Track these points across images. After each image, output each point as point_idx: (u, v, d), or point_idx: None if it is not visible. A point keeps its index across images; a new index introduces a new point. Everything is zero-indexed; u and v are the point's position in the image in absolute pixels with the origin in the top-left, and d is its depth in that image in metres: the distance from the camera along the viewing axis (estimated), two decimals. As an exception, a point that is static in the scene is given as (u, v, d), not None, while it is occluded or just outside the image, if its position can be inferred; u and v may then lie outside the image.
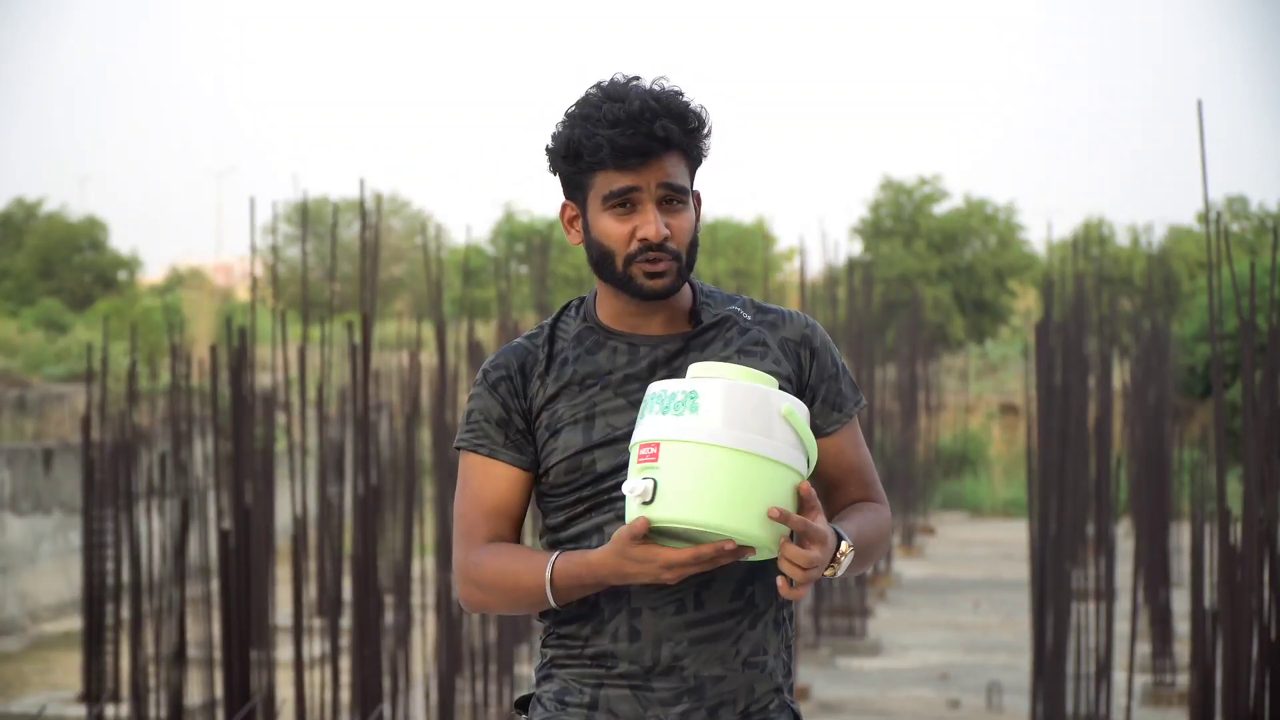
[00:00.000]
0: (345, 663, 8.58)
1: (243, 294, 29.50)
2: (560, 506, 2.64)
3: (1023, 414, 20.11)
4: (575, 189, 2.65)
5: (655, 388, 2.48)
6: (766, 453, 2.41)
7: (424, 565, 8.99)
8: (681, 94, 2.61)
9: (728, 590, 2.59)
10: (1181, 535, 12.57)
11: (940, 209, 30.02)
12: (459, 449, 2.69)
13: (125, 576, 9.05)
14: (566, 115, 2.63)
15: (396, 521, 8.21)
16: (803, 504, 2.43)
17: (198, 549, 7.42)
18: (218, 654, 7.20)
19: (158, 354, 16.85)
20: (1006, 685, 9.05)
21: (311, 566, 12.05)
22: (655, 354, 2.65)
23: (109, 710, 7.87)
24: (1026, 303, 27.96)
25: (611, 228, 2.61)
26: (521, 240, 27.32)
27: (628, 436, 2.59)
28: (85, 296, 28.39)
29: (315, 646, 9.15)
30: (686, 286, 2.70)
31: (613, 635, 2.59)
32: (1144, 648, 9.55)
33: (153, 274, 34.88)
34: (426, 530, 12.19)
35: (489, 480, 2.65)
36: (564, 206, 2.69)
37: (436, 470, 7.43)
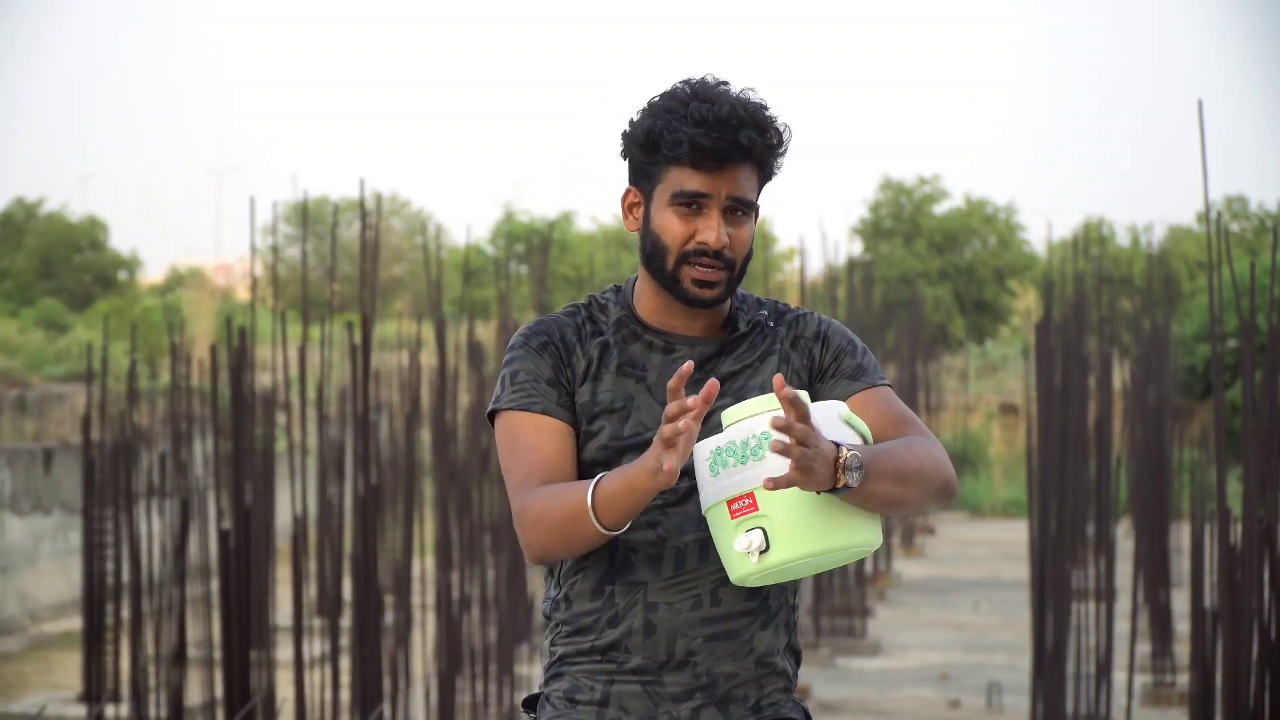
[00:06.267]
0: (345, 663, 8.58)
1: (243, 294, 29.49)
2: None
3: (1023, 414, 20.11)
4: (644, 178, 2.64)
5: (715, 442, 2.44)
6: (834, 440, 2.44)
7: (424, 565, 8.99)
8: (767, 108, 2.61)
9: (744, 589, 2.59)
10: (1181, 535, 12.57)
11: (940, 209, 30.00)
12: (504, 409, 2.63)
13: (125, 576, 9.05)
14: (649, 105, 2.63)
15: (396, 521, 8.21)
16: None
17: (198, 549, 7.42)
18: (218, 654, 7.21)
19: (158, 354, 16.83)
20: (1006, 685, 9.05)
21: (311, 566, 12.05)
22: (691, 355, 2.65)
23: (109, 710, 7.86)
24: (1026, 303, 27.95)
25: (673, 225, 2.60)
26: (521, 240, 27.30)
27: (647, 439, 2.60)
28: (85, 296, 28.34)
29: (315, 646, 9.15)
30: None
31: (627, 629, 2.59)
32: (1144, 648, 9.55)
33: (153, 274, 34.85)
34: (426, 530, 12.19)
35: (542, 435, 2.60)
36: (627, 192, 2.68)
37: (436, 470, 7.43)
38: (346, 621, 8.82)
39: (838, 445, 2.40)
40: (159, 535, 8.15)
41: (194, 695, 7.35)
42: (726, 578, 2.57)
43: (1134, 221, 35.39)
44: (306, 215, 8.20)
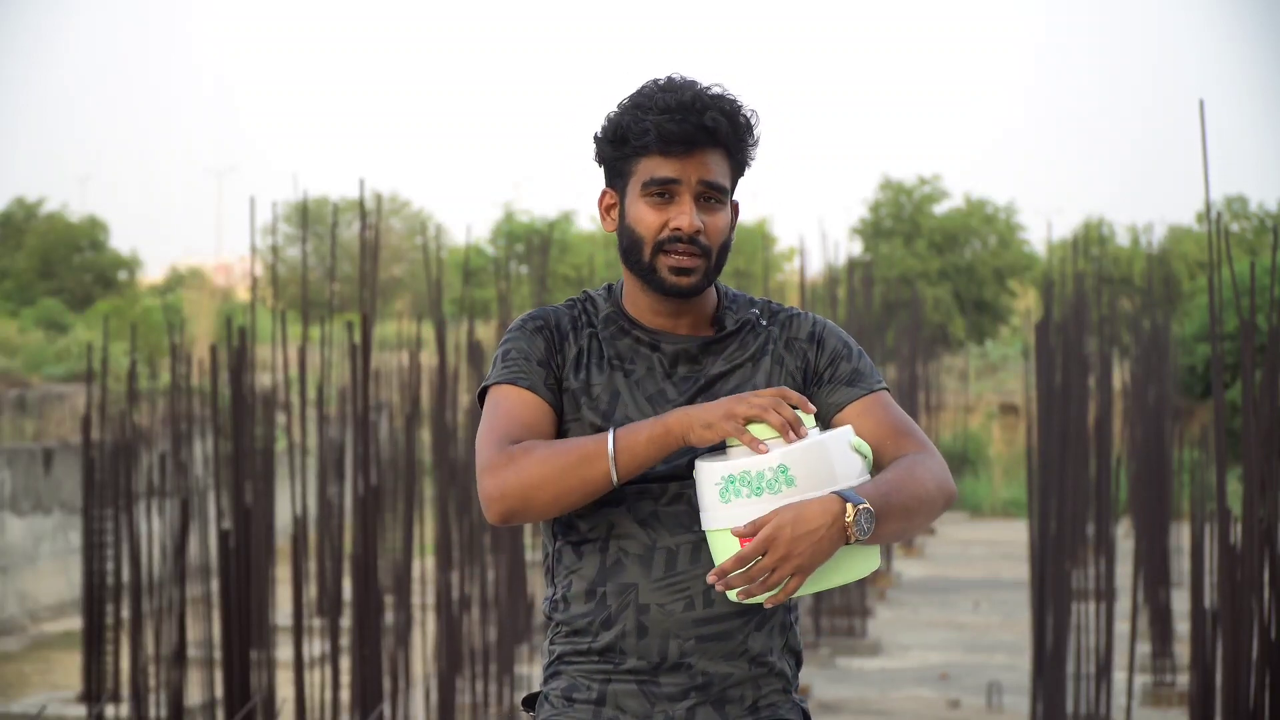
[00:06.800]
0: (345, 663, 8.59)
1: (243, 294, 29.48)
2: None
3: (1023, 414, 20.11)
4: (617, 175, 2.67)
5: (728, 469, 2.45)
6: (841, 491, 2.45)
7: (424, 565, 8.99)
8: (736, 99, 2.64)
9: None
10: (1181, 535, 12.57)
11: (940, 209, 30.01)
12: (492, 384, 2.65)
13: (125, 576, 9.06)
14: (619, 105, 2.66)
15: (396, 521, 8.21)
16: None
17: (198, 549, 7.42)
18: (218, 654, 7.21)
19: (158, 354, 16.84)
20: (1006, 685, 9.05)
21: (311, 566, 12.05)
22: (676, 353, 2.66)
23: (109, 710, 7.87)
24: (1026, 303, 27.93)
25: (646, 215, 2.62)
26: (521, 240, 27.31)
27: None
28: (85, 296, 28.35)
29: (315, 646, 9.15)
30: (712, 290, 2.71)
31: (620, 631, 2.59)
32: (1144, 648, 9.56)
33: (153, 274, 34.86)
34: (426, 530, 12.19)
35: (525, 406, 2.62)
36: (604, 194, 2.70)
37: (436, 470, 7.43)
38: (346, 621, 8.82)
39: (845, 500, 2.42)
40: (159, 535, 8.15)
41: (194, 695, 7.35)
42: None
43: (1134, 221, 35.42)
44: (306, 215, 8.21)
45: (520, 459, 2.53)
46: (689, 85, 2.62)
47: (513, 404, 2.62)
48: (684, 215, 2.60)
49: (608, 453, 2.49)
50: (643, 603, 2.58)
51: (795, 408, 2.48)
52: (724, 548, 2.46)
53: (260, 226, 35.05)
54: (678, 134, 2.58)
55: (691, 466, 2.58)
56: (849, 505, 2.41)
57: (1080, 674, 7.26)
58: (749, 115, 2.64)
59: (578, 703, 2.62)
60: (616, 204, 2.68)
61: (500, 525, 2.60)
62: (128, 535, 6.93)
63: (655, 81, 2.64)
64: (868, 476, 2.50)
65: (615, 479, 2.50)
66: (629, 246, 2.65)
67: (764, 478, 2.42)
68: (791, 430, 2.43)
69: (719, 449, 2.54)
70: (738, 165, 2.66)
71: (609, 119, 2.66)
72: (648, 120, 2.59)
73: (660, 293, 2.64)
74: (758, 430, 2.46)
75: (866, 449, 2.52)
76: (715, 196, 2.63)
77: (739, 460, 2.44)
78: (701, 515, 2.50)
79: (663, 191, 2.61)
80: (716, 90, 2.63)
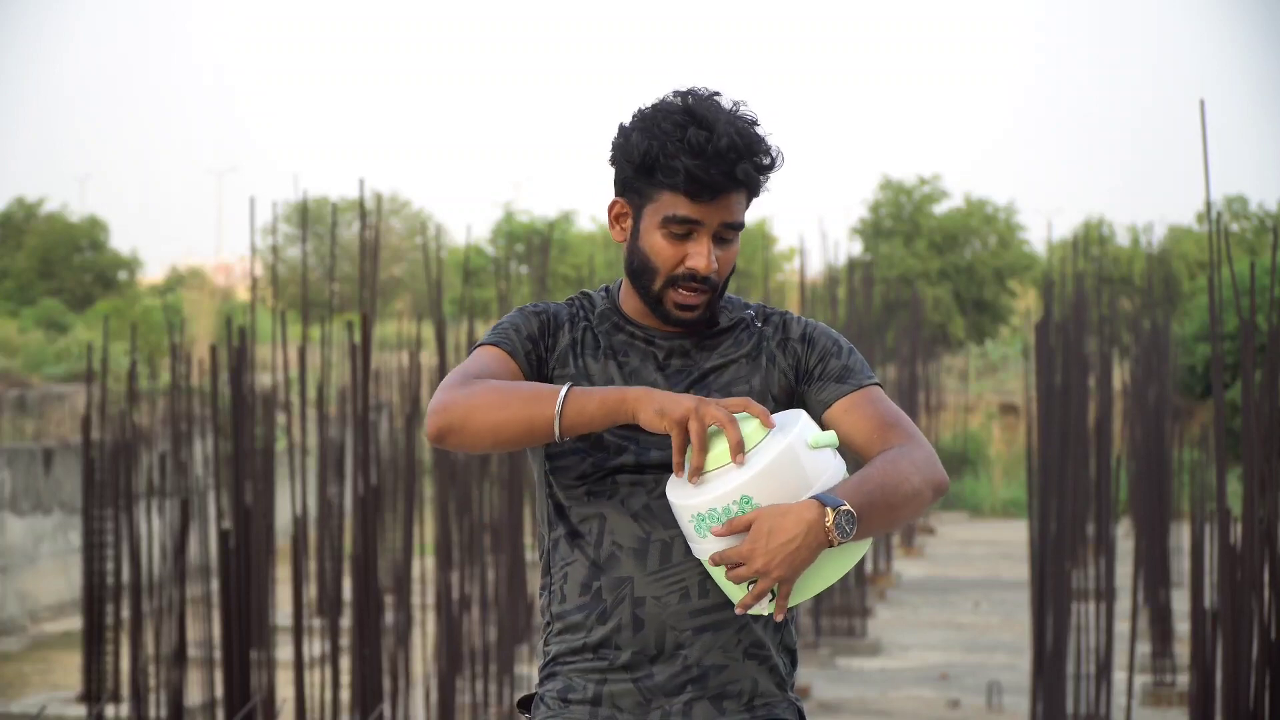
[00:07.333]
0: (345, 663, 8.58)
1: (243, 294, 29.48)
2: (567, 485, 2.64)
3: (1023, 414, 20.11)
4: (634, 193, 2.65)
5: (696, 508, 2.45)
6: (820, 494, 2.44)
7: (424, 565, 8.99)
8: (760, 134, 2.61)
9: None
10: (1181, 535, 12.58)
11: (940, 209, 29.99)
12: (478, 346, 2.68)
13: (125, 576, 9.05)
14: (642, 119, 2.62)
15: (396, 521, 8.21)
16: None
17: (198, 549, 7.42)
18: (218, 654, 7.21)
19: (158, 354, 16.83)
20: (1006, 685, 9.05)
21: (311, 566, 12.05)
22: (670, 348, 2.68)
23: (109, 710, 7.86)
24: (1026, 303, 27.92)
25: (662, 248, 2.62)
26: (521, 240, 27.31)
27: (634, 428, 2.60)
28: (85, 296, 28.34)
29: (315, 646, 9.15)
30: None
31: (616, 625, 2.60)
32: (1144, 648, 9.56)
33: (153, 274, 34.87)
34: (426, 530, 12.19)
35: (498, 362, 2.64)
36: (615, 203, 2.69)
37: (436, 470, 7.43)
38: (346, 621, 8.82)
39: (823, 504, 2.41)
40: (159, 535, 8.15)
41: (194, 695, 7.35)
42: None
43: (1134, 221, 35.42)
44: (306, 215, 8.21)
45: (475, 384, 2.55)
46: (721, 121, 2.57)
47: (489, 358, 2.65)
48: (701, 257, 2.61)
49: (557, 399, 2.49)
50: (638, 595, 2.59)
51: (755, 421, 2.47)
52: (717, 573, 2.49)
53: (260, 226, 35.03)
54: (708, 183, 2.57)
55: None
56: (828, 510, 2.40)
57: (1080, 674, 7.26)
58: (775, 155, 2.62)
59: (573, 703, 2.63)
60: (628, 215, 2.67)
61: (436, 444, 2.59)
62: (128, 535, 6.94)
63: (685, 103, 2.60)
64: (842, 464, 2.50)
65: (557, 429, 2.49)
66: (640, 270, 2.65)
67: (730, 511, 2.43)
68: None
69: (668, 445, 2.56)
70: (754, 195, 2.66)
71: (634, 138, 2.61)
72: (679, 161, 2.56)
73: (664, 322, 2.66)
74: (712, 460, 2.45)
75: (829, 436, 2.49)
76: (732, 232, 2.64)
77: (704, 498, 2.44)
78: (691, 547, 2.52)
79: (684, 231, 2.61)
80: (743, 123, 2.59)
